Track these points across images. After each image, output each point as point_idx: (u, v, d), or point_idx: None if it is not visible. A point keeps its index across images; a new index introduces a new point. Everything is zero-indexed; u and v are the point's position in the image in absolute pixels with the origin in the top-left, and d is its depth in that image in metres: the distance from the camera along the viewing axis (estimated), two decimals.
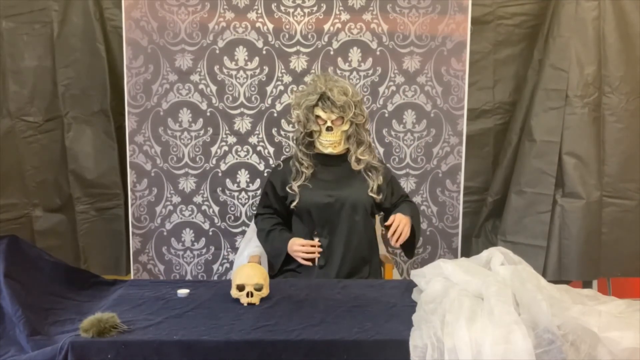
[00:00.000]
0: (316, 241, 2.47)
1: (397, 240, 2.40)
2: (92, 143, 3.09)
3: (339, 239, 2.48)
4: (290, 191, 2.51)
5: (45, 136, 3.07)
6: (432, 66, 3.00)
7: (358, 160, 2.49)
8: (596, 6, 2.92)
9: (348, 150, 2.52)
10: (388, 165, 3.04)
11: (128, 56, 2.92)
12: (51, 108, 3.06)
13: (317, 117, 2.43)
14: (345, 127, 2.44)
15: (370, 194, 2.51)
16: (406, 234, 2.41)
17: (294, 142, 2.58)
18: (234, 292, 1.98)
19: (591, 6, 2.92)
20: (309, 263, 2.47)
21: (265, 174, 2.99)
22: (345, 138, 2.47)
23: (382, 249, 2.76)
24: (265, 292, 2.00)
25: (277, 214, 2.63)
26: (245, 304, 1.94)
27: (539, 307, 1.66)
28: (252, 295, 1.95)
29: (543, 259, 3.02)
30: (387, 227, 2.42)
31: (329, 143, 2.45)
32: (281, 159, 2.69)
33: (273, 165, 2.92)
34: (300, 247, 2.47)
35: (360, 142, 2.49)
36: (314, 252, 2.47)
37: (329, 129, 2.43)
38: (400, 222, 2.40)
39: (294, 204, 2.50)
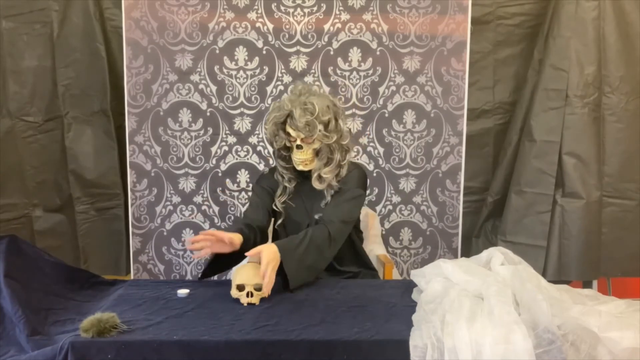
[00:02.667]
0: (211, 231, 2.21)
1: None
2: (92, 143, 3.09)
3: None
4: (275, 208, 2.42)
5: (45, 136, 3.07)
6: (432, 66, 3.00)
7: (319, 178, 2.33)
8: (596, 6, 2.92)
9: None
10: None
11: (128, 56, 2.92)
12: (51, 108, 3.06)
13: (288, 134, 2.32)
14: (316, 145, 2.31)
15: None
16: (268, 280, 1.98)
17: (273, 155, 2.48)
18: (234, 292, 1.98)
19: (591, 6, 2.92)
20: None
21: None
22: (315, 155, 2.34)
23: (381, 249, 2.76)
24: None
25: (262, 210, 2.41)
26: (245, 304, 1.93)
27: (539, 307, 1.66)
28: (252, 295, 1.95)
29: (543, 259, 3.02)
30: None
31: (300, 161, 2.34)
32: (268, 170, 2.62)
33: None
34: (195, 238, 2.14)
35: (329, 160, 2.34)
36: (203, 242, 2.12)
37: (298, 147, 2.31)
38: (266, 261, 2.01)
39: (278, 223, 2.42)
